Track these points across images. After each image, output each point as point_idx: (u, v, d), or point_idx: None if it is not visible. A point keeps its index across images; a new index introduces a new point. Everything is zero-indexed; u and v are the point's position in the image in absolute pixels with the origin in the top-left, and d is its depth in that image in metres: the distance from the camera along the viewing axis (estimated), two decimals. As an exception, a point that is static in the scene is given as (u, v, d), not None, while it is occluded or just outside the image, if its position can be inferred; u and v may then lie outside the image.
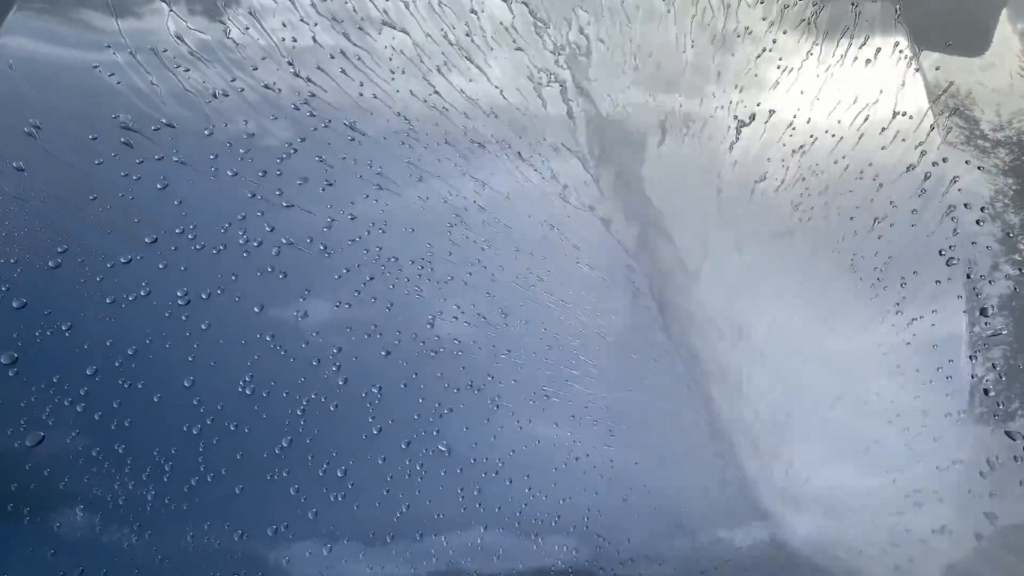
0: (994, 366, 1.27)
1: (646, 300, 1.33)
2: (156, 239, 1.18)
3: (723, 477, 1.19)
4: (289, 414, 1.08)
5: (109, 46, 1.39)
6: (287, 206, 1.27)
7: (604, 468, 1.16)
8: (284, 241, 1.23)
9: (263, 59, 1.45)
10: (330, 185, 1.32)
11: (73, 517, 0.97)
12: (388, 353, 1.17)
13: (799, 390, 1.25)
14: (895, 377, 1.28)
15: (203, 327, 1.12)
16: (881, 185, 1.41)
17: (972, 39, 1.41)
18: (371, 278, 1.23)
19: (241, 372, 1.10)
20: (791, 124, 1.44)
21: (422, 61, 1.51)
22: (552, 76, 1.53)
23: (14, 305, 1.08)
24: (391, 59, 1.49)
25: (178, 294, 1.14)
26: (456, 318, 1.23)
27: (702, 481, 1.19)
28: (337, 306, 1.20)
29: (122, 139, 1.27)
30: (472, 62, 1.46)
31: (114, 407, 1.04)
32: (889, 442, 1.22)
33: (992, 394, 1.25)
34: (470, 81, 1.48)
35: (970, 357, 1.29)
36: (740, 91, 1.48)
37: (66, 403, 1.03)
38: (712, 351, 1.27)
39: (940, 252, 1.38)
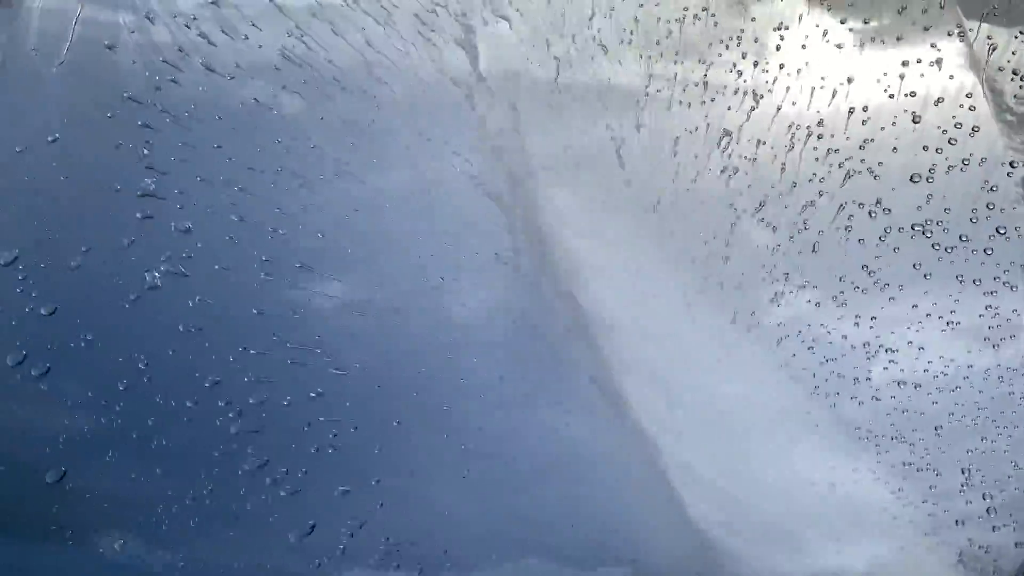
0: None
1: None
2: (146, 222, 1.03)
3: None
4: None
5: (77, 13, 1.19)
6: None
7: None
8: (274, 233, 1.07)
9: (252, 26, 1.19)
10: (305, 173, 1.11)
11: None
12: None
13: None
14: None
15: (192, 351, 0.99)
16: (932, 174, 1.14)
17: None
18: (356, 300, 1.07)
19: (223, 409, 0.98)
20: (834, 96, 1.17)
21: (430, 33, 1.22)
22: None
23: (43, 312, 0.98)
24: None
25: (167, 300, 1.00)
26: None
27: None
28: (328, 319, 1.05)
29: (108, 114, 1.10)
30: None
31: (88, 439, 0.96)
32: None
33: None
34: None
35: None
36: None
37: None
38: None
39: (994, 235, 1.12)
